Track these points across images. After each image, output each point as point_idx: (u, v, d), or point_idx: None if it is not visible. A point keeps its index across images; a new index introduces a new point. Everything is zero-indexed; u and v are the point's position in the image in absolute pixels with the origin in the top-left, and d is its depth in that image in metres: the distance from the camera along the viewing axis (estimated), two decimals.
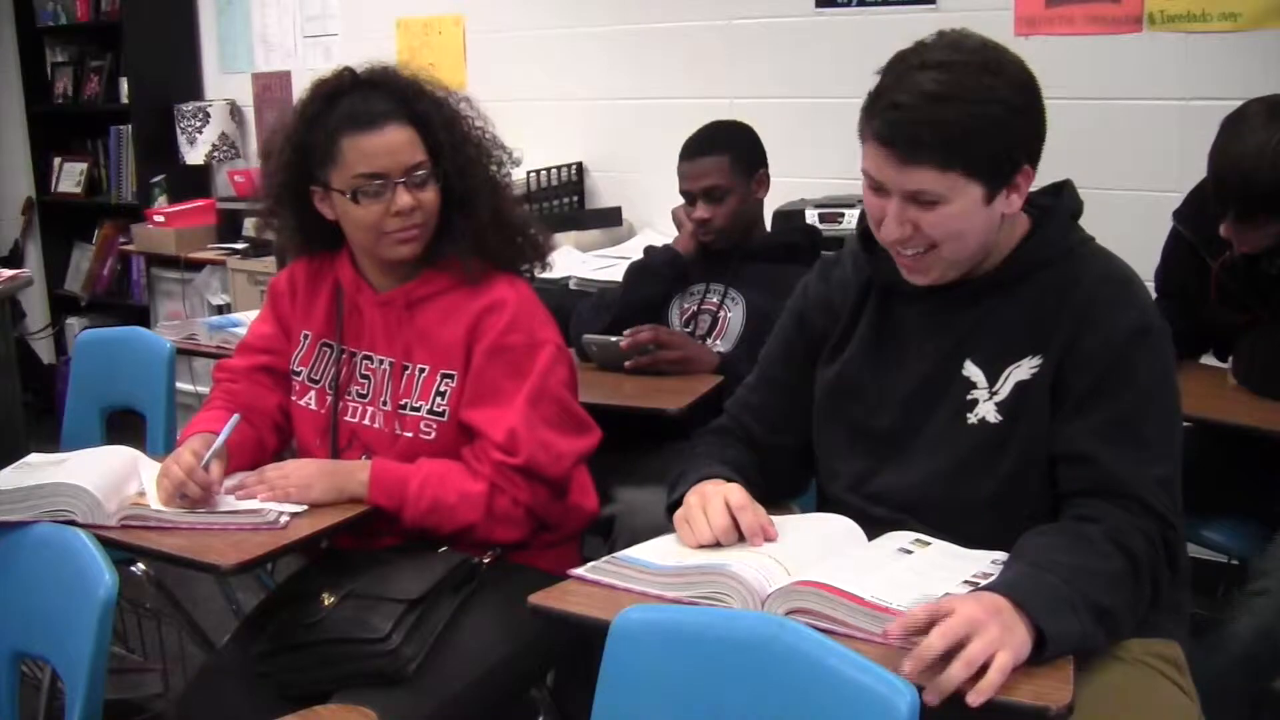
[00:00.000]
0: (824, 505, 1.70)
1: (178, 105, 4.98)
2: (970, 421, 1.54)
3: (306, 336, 2.05)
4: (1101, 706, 1.34)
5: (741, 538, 1.50)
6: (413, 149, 1.88)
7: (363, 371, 1.99)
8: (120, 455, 1.94)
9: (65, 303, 5.56)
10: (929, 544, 1.50)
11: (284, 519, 1.78)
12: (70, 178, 5.47)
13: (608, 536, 2.31)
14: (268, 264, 4.30)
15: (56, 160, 5.50)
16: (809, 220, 3.10)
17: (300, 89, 2.00)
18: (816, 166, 3.39)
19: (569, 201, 4.03)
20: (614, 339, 2.56)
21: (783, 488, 1.75)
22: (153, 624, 2.99)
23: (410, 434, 1.92)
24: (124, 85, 5.06)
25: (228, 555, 1.67)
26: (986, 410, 1.53)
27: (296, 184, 1.93)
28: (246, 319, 2.84)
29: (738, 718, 1.25)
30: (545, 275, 2.15)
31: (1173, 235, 2.47)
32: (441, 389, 1.92)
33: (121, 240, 5.26)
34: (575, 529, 2.04)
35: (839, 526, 1.57)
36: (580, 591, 1.47)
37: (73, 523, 1.72)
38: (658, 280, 2.71)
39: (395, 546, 1.88)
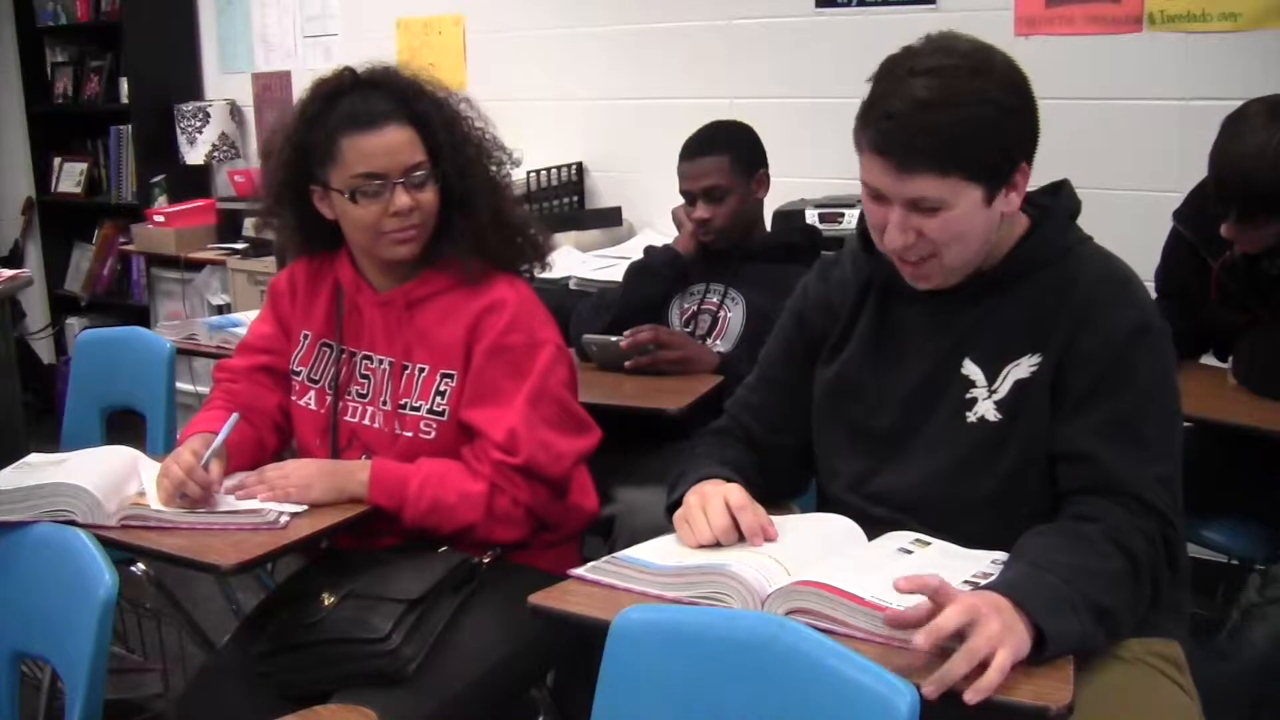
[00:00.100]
0: (824, 505, 1.70)
1: (178, 105, 4.98)
2: (969, 420, 1.54)
3: (306, 336, 2.05)
4: (1101, 706, 1.34)
5: (741, 538, 1.50)
6: (412, 149, 1.88)
7: (362, 371, 1.99)
8: (120, 455, 1.94)
9: (65, 303, 5.56)
10: (929, 544, 1.50)
11: (284, 519, 1.78)
12: (70, 178, 5.47)
13: (608, 536, 2.31)
14: (268, 264, 4.30)
15: (56, 160, 5.50)
16: (809, 220, 3.10)
17: (300, 89, 2.00)
18: (816, 166, 3.39)
19: (569, 201, 4.03)
20: (614, 339, 2.56)
21: (783, 488, 1.75)
22: (153, 624, 2.99)
23: (410, 434, 1.92)
24: (124, 85, 5.06)
25: (228, 555, 1.67)
26: (985, 409, 1.53)
27: (296, 183, 1.93)
28: (246, 319, 2.84)
29: (738, 718, 1.25)
30: (545, 275, 2.15)
31: (1173, 235, 2.47)
32: (441, 389, 1.92)
33: (121, 240, 5.26)
34: (575, 529, 2.04)
35: (839, 526, 1.57)
36: (580, 591, 1.47)
37: (73, 523, 1.71)
38: (658, 280, 2.71)
39: (395, 546, 1.88)
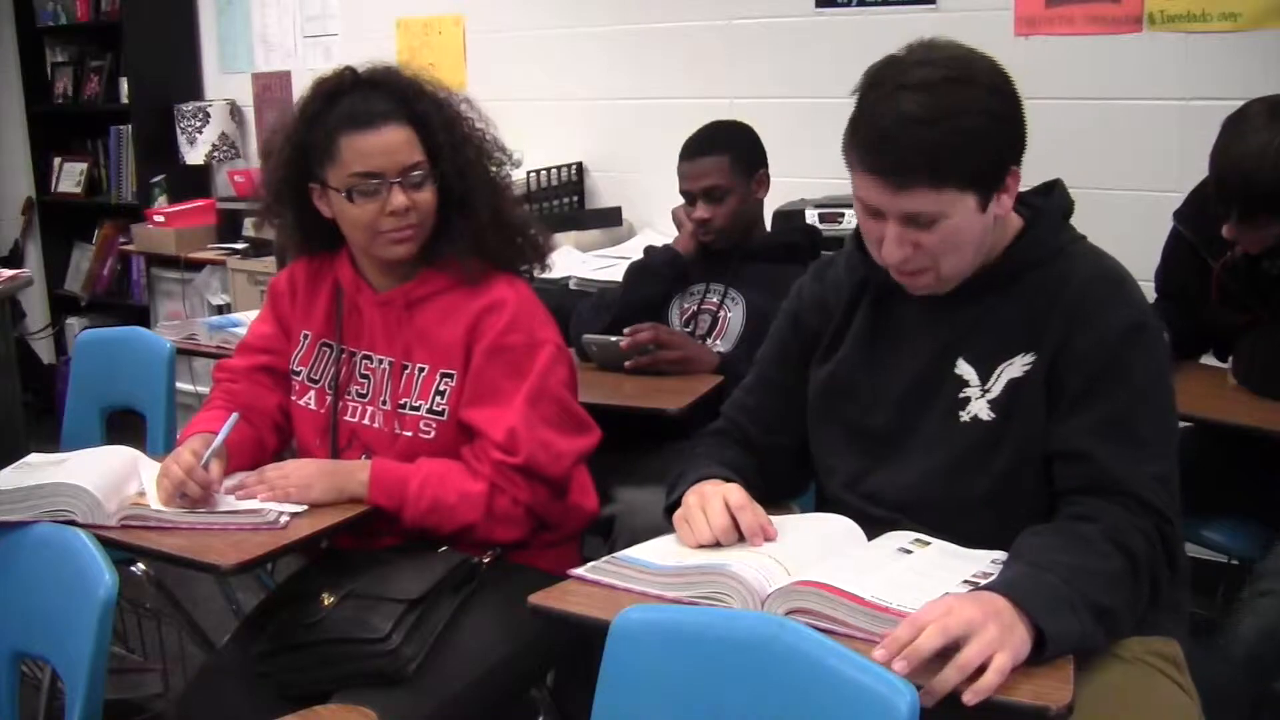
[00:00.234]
0: (822, 504, 1.70)
1: (178, 105, 4.98)
2: (963, 420, 1.54)
3: (306, 336, 2.05)
4: (1101, 705, 1.34)
5: (741, 538, 1.50)
6: (410, 149, 1.88)
7: (362, 371, 1.99)
8: (120, 455, 1.94)
9: (65, 303, 5.56)
10: (929, 544, 1.50)
11: (284, 519, 1.78)
12: (70, 178, 5.47)
13: (608, 536, 2.31)
14: (268, 264, 4.30)
15: (56, 160, 5.50)
16: (809, 220, 3.10)
17: (300, 89, 2.00)
18: (816, 166, 3.38)
19: (569, 201, 4.03)
20: (614, 339, 2.56)
21: (782, 488, 1.75)
22: (153, 624, 2.99)
23: (410, 433, 1.92)
24: (124, 85, 5.06)
25: (228, 555, 1.67)
26: (979, 408, 1.53)
27: (296, 181, 1.94)
28: (246, 319, 2.84)
29: (738, 718, 1.25)
30: (545, 275, 2.15)
31: (1173, 235, 2.46)
32: (441, 388, 1.92)
33: (121, 240, 5.26)
34: (575, 529, 2.04)
35: (839, 526, 1.58)
36: (580, 591, 1.47)
37: (73, 523, 1.71)
38: (658, 280, 2.71)
39: (395, 546, 1.88)
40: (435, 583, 1.77)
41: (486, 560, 1.86)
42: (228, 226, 4.80)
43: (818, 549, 1.49)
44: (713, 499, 1.53)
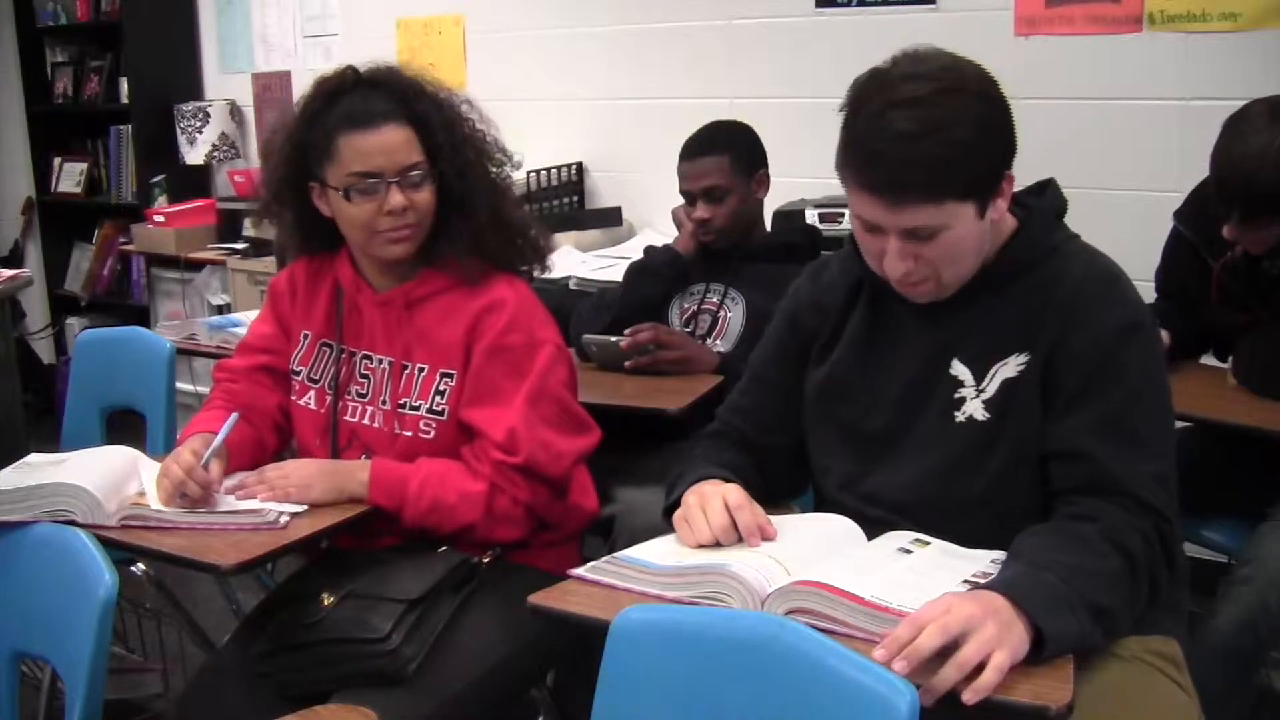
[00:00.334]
0: (820, 505, 1.70)
1: (178, 105, 4.98)
2: (958, 420, 1.54)
3: (306, 336, 2.05)
4: (1100, 704, 1.34)
5: (741, 538, 1.50)
6: (409, 149, 1.88)
7: (362, 371, 1.99)
8: (120, 455, 1.94)
9: (65, 303, 5.56)
10: (928, 543, 1.50)
11: (284, 519, 1.78)
12: (70, 178, 5.47)
13: (608, 536, 2.31)
14: (268, 264, 4.29)
15: (56, 160, 5.50)
16: (809, 220, 3.10)
17: (300, 89, 2.00)
18: (816, 166, 3.35)
19: (569, 201, 4.03)
20: (614, 339, 2.56)
21: (781, 488, 1.75)
22: (153, 624, 2.99)
23: (409, 433, 1.92)
24: (124, 85, 5.06)
25: (228, 555, 1.67)
26: (974, 408, 1.53)
27: (296, 180, 1.94)
28: (246, 319, 2.84)
29: (738, 718, 1.25)
30: (545, 275, 2.15)
31: (1173, 235, 2.46)
32: (441, 388, 1.92)
33: (121, 240, 5.26)
34: (575, 529, 2.04)
35: (838, 526, 1.58)
36: (580, 591, 1.47)
37: (73, 523, 1.71)
38: (658, 280, 2.71)
39: (395, 546, 1.88)
40: (435, 583, 1.77)
41: (486, 560, 1.86)
42: (228, 226, 4.80)
43: (817, 549, 1.49)
44: (712, 499, 1.53)
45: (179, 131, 4.97)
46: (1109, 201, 3.00)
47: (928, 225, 1.45)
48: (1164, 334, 2.22)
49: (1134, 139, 3.09)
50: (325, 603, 1.76)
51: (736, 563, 1.41)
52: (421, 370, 1.93)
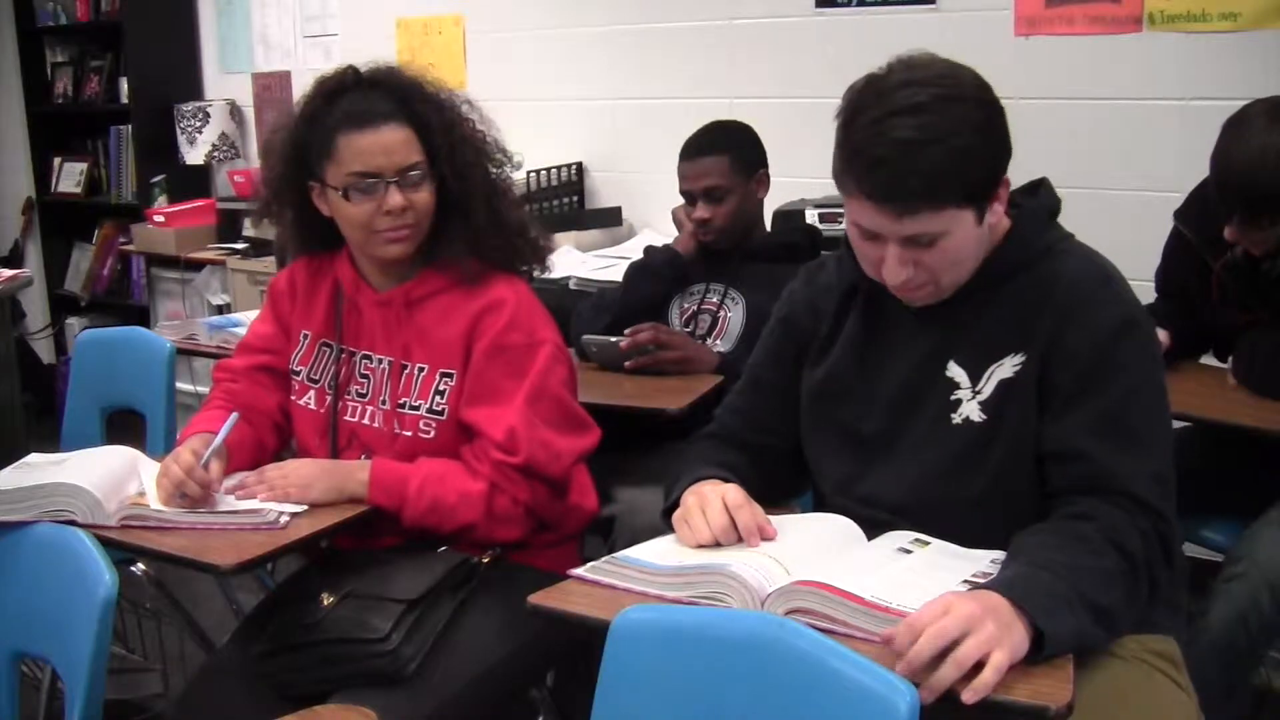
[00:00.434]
0: (819, 506, 1.70)
1: (178, 105, 4.98)
2: (955, 421, 1.54)
3: (306, 336, 2.05)
4: (1099, 704, 1.34)
5: (741, 538, 1.50)
6: (408, 149, 1.88)
7: (362, 371, 1.99)
8: (120, 455, 1.94)
9: (65, 303, 5.56)
10: (928, 544, 1.50)
11: (284, 519, 1.78)
12: (70, 178, 5.47)
13: (608, 536, 2.32)
14: (268, 264, 4.30)
15: (56, 160, 5.50)
16: (809, 220, 3.10)
17: (300, 89, 2.00)
18: (816, 166, 3.36)
19: (569, 201, 4.03)
20: (614, 339, 2.56)
21: (780, 489, 1.75)
22: (153, 624, 2.99)
23: (409, 433, 1.92)
24: (124, 85, 5.06)
25: (228, 555, 1.67)
26: (970, 410, 1.53)
27: (296, 180, 1.94)
28: (246, 319, 2.84)
29: (738, 718, 1.25)
30: (545, 275, 2.15)
31: (1174, 235, 2.46)
32: (440, 388, 1.92)
33: (121, 240, 5.26)
34: (575, 529, 2.04)
35: (838, 526, 1.58)
36: (580, 591, 1.46)
37: (73, 523, 1.71)
38: (658, 280, 2.71)
39: (395, 546, 1.88)
40: (435, 583, 1.77)
41: (486, 560, 1.86)
42: (228, 226, 4.80)
43: (817, 549, 1.49)
44: (711, 499, 1.53)
45: (179, 131, 4.97)
46: (1109, 201, 3.00)
47: (928, 232, 1.45)
48: (1164, 334, 2.22)
49: (1134, 139, 3.09)
50: (325, 603, 1.76)
51: (736, 563, 1.41)
52: (421, 370, 1.93)
